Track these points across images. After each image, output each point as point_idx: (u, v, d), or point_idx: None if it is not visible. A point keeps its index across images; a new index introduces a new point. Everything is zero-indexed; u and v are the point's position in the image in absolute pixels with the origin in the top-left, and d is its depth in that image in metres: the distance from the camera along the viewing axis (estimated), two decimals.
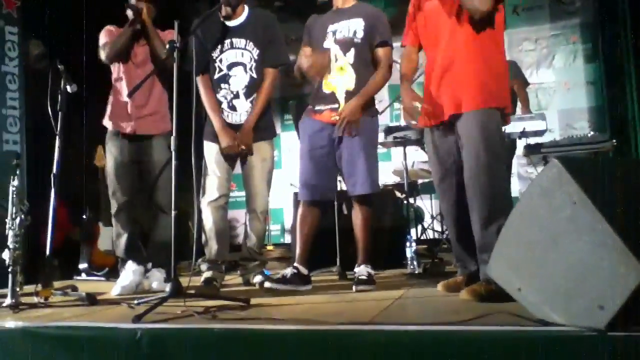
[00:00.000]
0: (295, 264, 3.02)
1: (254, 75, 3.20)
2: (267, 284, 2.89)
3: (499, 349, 1.66)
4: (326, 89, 3.02)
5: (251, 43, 3.21)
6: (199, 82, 3.17)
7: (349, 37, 3.00)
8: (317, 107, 3.05)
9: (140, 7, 3.30)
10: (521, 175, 5.99)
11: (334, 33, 3.04)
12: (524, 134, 4.19)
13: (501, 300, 2.03)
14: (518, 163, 5.62)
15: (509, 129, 4.08)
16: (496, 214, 2.36)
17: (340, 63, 3.01)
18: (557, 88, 6.44)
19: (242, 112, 3.21)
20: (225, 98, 3.21)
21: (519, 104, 4.93)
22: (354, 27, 3.01)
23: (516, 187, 5.81)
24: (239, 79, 3.20)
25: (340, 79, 3.00)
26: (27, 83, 4.49)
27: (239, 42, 3.22)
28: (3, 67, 4.34)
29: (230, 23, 3.24)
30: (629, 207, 1.76)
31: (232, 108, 3.21)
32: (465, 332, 1.74)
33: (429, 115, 2.64)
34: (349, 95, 2.96)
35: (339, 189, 3.46)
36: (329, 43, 3.04)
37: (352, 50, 2.99)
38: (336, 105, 2.98)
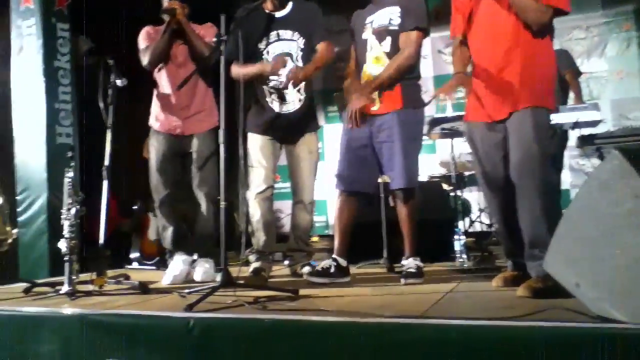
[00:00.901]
0: (334, 256, 3.02)
1: (301, 64, 3.20)
2: (306, 277, 2.90)
3: (556, 345, 1.61)
4: (364, 78, 2.99)
5: (297, 33, 3.21)
6: (233, 67, 3.13)
7: (385, 25, 2.95)
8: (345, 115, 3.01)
9: (174, 8, 3.30)
10: (573, 167, 5.82)
11: (372, 23, 3.00)
12: (576, 124, 4.06)
13: (558, 296, 1.98)
14: (570, 155, 5.46)
15: (561, 119, 3.96)
16: (546, 209, 2.32)
17: (376, 53, 2.97)
18: (610, 77, 6.21)
19: (291, 102, 3.22)
20: (275, 88, 3.22)
21: (571, 94, 4.78)
22: (389, 15, 2.95)
23: (567, 180, 5.65)
24: (287, 70, 3.20)
25: (375, 68, 2.95)
26: (77, 78, 4.60)
27: (286, 33, 3.22)
28: (55, 62, 4.46)
29: (276, 14, 3.24)
30: None
31: (282, 99, 3.22)
32: (521, 328, 1.69)
33: (478, 111, 2.58)
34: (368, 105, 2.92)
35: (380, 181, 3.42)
36: (366, 34, 3.00)
37: (388, 39, 2.93)
38: (373, 96, 2.93)
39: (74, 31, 4.69)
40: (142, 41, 3.42)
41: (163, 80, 3.44)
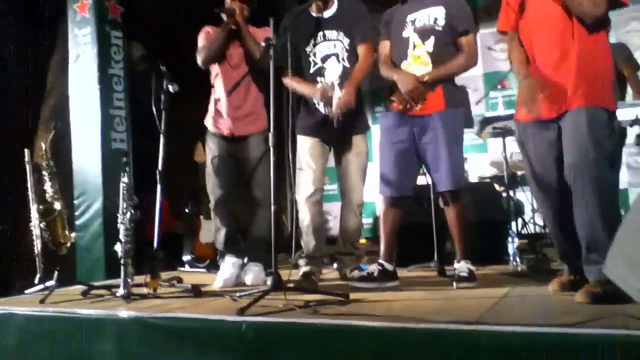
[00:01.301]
0: (380, 261, 2.99)
1: (347, 64, 3.19)
2: (352, 283, 2.88)
3: (618, 353, 1.55)
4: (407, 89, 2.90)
5: (342, 33, 3.20)
6: (286, 78, 3.15)
7: (430, 24, 2.90)
8: (394, 97, 2.96)
9: (233, 8, 3.35)
10: (631, 165, 5.59)
11: (413, 22, 2.95)
12: (635, 121, 3.89)
13: (619, 301, 1.91)
14: (628, 152, 5.24)
15: (619, 116, 3.79)
16: (603, 212, 2.22)
17: (418, 52, 2.92)
18: None
19: (337, 102, 3.19)
20: None
21: (629, 90, 4.59)
22: (435, 15, 2.90)
23: (625, 179, 5.43)
24: (333, 70, 3.20)
25: (415, 67, 2.90)
26: (131, 83, 4.72)
27: (331, 33, 3.21)
28: (109, 69, 4.59)
29: (321, 15, 3.24)
30: None
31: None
32: (583, 336, 1.64)
33: (530, 109, 2.48)
34: (425, 83, 2.85)
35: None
36: (407, 32, 2.95)
37: (432, 39, 2.89)
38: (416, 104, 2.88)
39: (128, 38, 4.82)
40: (201, 40, 3.51)
41: (218, 81, 3.50)
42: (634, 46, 5.86)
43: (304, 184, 3.21)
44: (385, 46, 3.07)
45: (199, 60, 3.44)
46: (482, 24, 6.73)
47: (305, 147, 3.24)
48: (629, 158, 5.53)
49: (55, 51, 5.17)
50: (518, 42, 2.62)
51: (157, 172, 3.15)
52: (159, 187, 3.11)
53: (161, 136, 3.18)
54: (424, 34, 2.91)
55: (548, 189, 2.49)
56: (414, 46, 2.93)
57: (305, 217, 3.20)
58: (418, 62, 2.90)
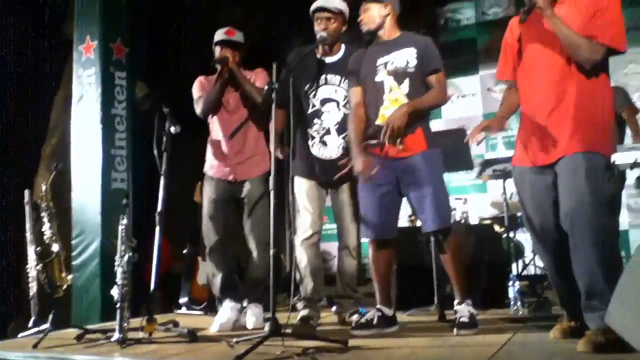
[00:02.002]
0: (379, 306, 2.95)
1: (347, 111, 3.18)
2: (351, 331, 2.84)
3: None
4: (381, 122, 2.89)
5: (344, 79, 3.20)
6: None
7: (403, 67, 2.90)
8: (373, 142, 2.92)
9: (226, 57, 3.38)
10: (631, 207, 5.58)
11: (386, 65, 2.95)
12: (635, 164, 3.89)
13: (621, 350, 1.88)
14: (627, 194, 5.25)
15: (618, 159, 3.81)
16: (603, 258, 2.19)
17: (395, 95, 2.91)
18: None
19: (333, 148, 3.20)
20: (318, 133, 3.23)
21: (628, 132, 4.61)
22: (406, 57, 2.91)
23: (626, 220, 5.42)
24: (332, 115, 3.21)
25: (396, 110, 2.86)
26: (134, 124, 4.75)
27: (334, 78, 3.23)
28: (112, 109, 4.63)
29: (326, 59, 3.27)
30: None
31: (323, 143, 3.21)
32: None
33: (527, 155, 2.49)
34: (405, 126, 2.82)
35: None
36: (381, 76, 2.94)
37: (407, 81, 2.89)
38: (396, 143, 2.84)
39: (132, 78, 4.88)
40: (196, 91, 3.51)
41: (215, 126, 3.51)
42: (633, 88, 5.92)
43: (302, 227, 3.19)
44: (357, 93, 3.03)
45: (198, 111, 3.46)
46: (481, 65, 6.84)
47: (303, 189, 3.23)
48: (630, 199, 5.53)
49: (59, 91, 5.23)
50: (512, 90, 2.65)
51: (157, 213, 3.14)
52: (157, 228, 3.09)
53: (161, 177, 3.18)
54: (398, 76, 2.90)
55: (545, 235, 2.46)
56: (390, 89, 2.92)
57: (302, 259, 3.17)
58: (396, 104, 2.87)
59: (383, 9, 2.96)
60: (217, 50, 3.47)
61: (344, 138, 3.18)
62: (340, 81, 3.22)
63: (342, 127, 3.18)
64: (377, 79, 2.95)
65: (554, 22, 2.35)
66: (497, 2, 6.67)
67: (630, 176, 4.18)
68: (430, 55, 2.91)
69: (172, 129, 3.17)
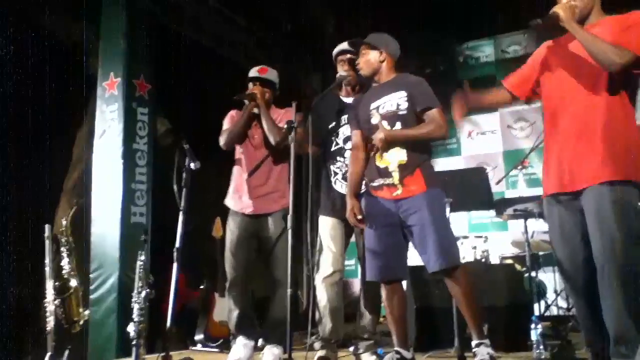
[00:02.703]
0: (396, 348, 2.89)
1: None
2: None
3: None
4: (380, 164, 2.91)
5: None
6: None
7: (393, 110, 2.92)
8: (374, 184, 2.94)
9: (254, 93, 3.44)
10: None
11: (378, 109, 2.97)
12: None
13: None
14: None
15: None
16: (633, 303, 2.13)
17: None
18: None
19: None
20: (340, 170, 3.28)
21: None
22: (397, 100, 2.92)
23: None
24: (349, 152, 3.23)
25: (392, 153, 2.89)
26: (154, 159, 4.81)
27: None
28: (134, 145, 4.69)
29: (348, 100, 3.35)
30: None
31: (346, 180, 3.21)
32: None
33: (550, 182, 2.44)
34: (402, 168, 2.84)
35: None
36: (375, 119, 2.96)
37: (399, 124, 2.90)
38: (391, 180, 2.86)
39: (154, 113, 4.95)
40: (225, 123, 3.59)
41: (240, 160, 3.55)
42: None
43: (324, 265, 3.18)
44: (357, 136, 3.08)
45: (221, 142, 3.50)
46: None
47: (327, 228, 3.24)
48: None
49: (82, 126, 5.33)
50: (504, 92, 2.66)
51: (175, 249, 3.14)
52: (175, 264, 3.09)
53: (180, 213, 3.19)
54: (390, 119, 2.92)
55: (575, 272, 2.40)
56: None
57: (322, 298, 3.15)
58: (393, 146, 2.88)
59: (379, 55, 3.01)
60: (250, 86, 3.54)
61: None
62: None
63: None
64: (373, 121, 2.98)
65: (576, 31, 2.31)
66: (516, 40, 6.71)
67: None
68: (420, 95, 2.92)
69: (192, 165, 3.20)
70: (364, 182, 3.04)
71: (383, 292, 2.95)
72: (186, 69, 5.34)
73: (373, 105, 3.00)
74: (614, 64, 2.23)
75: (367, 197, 3.01)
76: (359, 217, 2.93)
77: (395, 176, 2.85)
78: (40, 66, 4.80)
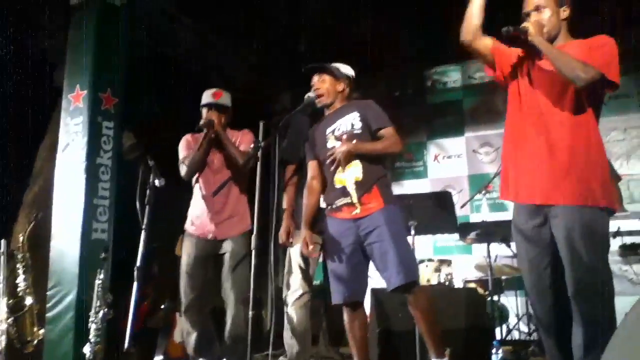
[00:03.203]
0: None
1: None
2: None
3: None
4: (337, 184, 2.96)
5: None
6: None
7: (349, 130, 2.99)
8: (333, 205, 2.98)
9: (212, 120, 3.44)
10: (615, 273, 5.53)
11: (333, 132, 3.03)
12: (618, 233, 3.94)
13: None
14: (611, 260, 5.25)
15: None
16: (603, 330, 2.11)
17: None
18: None
19: None
20: None
21: None
22: (351, 120, 3.00)
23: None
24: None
25: (348, 171, 2.93)
26: (118, 174, 4.72)
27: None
28: (98, 159, 4.59)
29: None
30: None
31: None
32: None
33: (516, 190, 2.43)
34: (359, 185, 2.88)
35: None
36: (331, 142, 3.02)
37: (355, 142, 2.95)
38: (349, 200, 2.90)
39: (120, 128, 4.88)
40: (182, 150, 3.55)
41: (199, 184, 3.52)
42: (615, 155, 6.05)
43: (293, 286, 3.21)
44: (312, 166, 3.13)
45: (182, 173, 3.50)
46: (467, 126, 6.96)
47: (297, 248, 3.23)
48: (614, 265, 5.51)
49: (44, 138, 5.21)
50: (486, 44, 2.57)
51: (136, 267, 3.07)
52: (135, 284, 3.02)
53: (142, 231, 3.13)
54: (347, 139, 2.97)
55: (543, 294, 2.40)
56: None
57: (291, 320, 3.15)
58: (349, 166, 2.92)
59: (339, 85, 3.09)
60: (204, 112, 3.51)
61: None
62: None
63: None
64: (329, 145, 3.02)
65: (544, 46, 2.33)
66: (482, 67, 6.83)
67: (614, 245, 4.24)
68: (374, 116, 3.00)
69: (157, 182, 3.14)
70: (325, 207, 3.06)
71: (345, 315, 2.94)
72: (157, 84, 5.29)
73: (328, 130, 3.06)
74: (579, 79, 2.25)
75: (329, 220, 3.03)
76: (311, 247, 2.97)
77: (354, 194, 2.88)
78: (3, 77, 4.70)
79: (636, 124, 6.19)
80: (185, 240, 3.50)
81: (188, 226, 3.52)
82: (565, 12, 2.44)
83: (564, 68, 2.28)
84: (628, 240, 4.04)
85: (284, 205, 3.43)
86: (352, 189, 2.89)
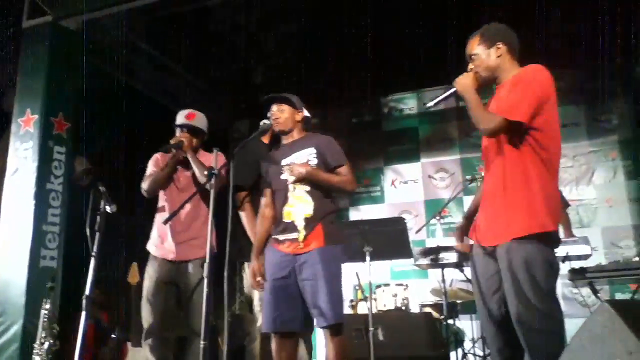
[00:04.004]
0: None
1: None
2: None
3: None
4: (286, 219, 2.97)
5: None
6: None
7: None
8: (278, 237, 2.99)
9: (182, 141, 3.40)
10: (566, 295, 5.71)
11: (289, 164, 3.05)
12: (567, 258, 4.05)
13: None
14: (562, 283, 5.39)
15: None
16: (549, 357, 2.14)
17: (298, 192, 2.99)
18: (599, 205, 6.28)
19: None
20: None
21: (560, 227, 4.79)
22: (307, 156, 3.02)
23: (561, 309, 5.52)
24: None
25: (298, 207, 2.96)
26: (69, 200, 4.62)
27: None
28: (48, 184, 4.50)
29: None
30: None
31: None
32: None
33: (477, 235, 2.52)
34: (308, 221, 2.91)
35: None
36: (285, 175, 3.04)
37: (314, 168, 2.97)
38: (295, 235, 2.91)
39: (71, 153, 4.78)
40: (150, 166, 3.51)
41: (164, 203, 3.47)
42: (565, 181, 6.25)
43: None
44: (266, 194, 3.15)
45: (144, 187, 3.42)
46: (422, 152, 7.09)
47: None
48: (564, 289, 5.66)
49: None
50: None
51: (84, 297, 2.98)
52: (83, 313, 2.93)
53: (92, 259, 3.06)
54: (304, 164, 2.98)
55: (494, 328, 2.44)
56: (294, 188, 3.00)
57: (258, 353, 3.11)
58: (301, 201, 2.96)
59: (297, 115, 3.12)
60: (177, 132, 3.49)
61: None
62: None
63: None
64: (282, 177, 3.04)
65: (465, 98, 2.43)
66: (437, 94, 6.98)
67: (563, 269, 4.34)
68: (331, 154, 3.03)
69: (108, 208, 3.08)
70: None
71: (273, 343, 2.93)
72: (112, 109, 5.22)
73: (284, 162, 3.06)
74: (484, 131, 2.41)
75: (269, 249, 3.04)
76: (259, 278, 2.97)
77: (302, 232, 2.90)
78: None
79: (584, 151, 6.44)
80: (148, 264, 3.42)
81: (150, 246, 3.45)
82: (499, 49, 2.49)
83: (474, 120, 2.41)
84: (576, 264, 4.14)
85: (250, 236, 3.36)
86: (301, 226, 2.91)
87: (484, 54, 2.50)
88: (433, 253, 4.37)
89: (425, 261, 4.39)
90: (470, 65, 2.52)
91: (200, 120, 3.55)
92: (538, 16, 4.95)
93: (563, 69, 5.92)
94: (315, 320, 2.88)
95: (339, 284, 2.92)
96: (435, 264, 4.36)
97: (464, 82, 2.47)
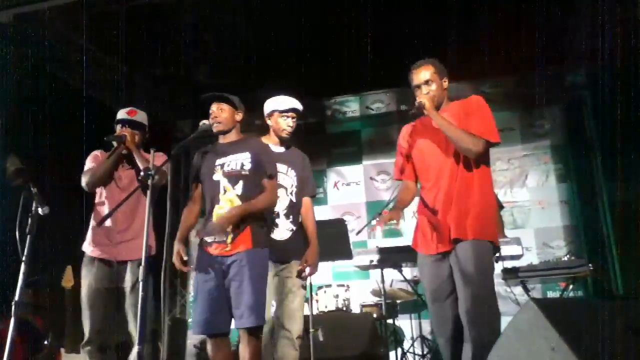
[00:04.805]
0: None
1: (294, 199, 3.36)
2: None
3: None
4: (215, 220, 3.00)
5: (293, 171, 3.39)
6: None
7: (237, 169, 3.04)
8: (207, 239, 3.01)
9: (124, 135, 3.33)
10: (501, 294, 5.88)
11: (222, 166, 3.07)
12: (500, 257, 4.20)
13: None
14: (496, 282, 5.57)
15: None
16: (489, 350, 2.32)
17: (229, 195, 3.02)
18: (532, 207, 6.56)
19: (283, 230, 3.32)
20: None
21: None
22: (242, 160, 3.05)
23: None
24: (280, 201, 3.30)
25: (228, 209, 2.98)
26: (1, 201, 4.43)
27: (282, 167, 3.35)
28: None
29: (275, 149, 3.38)
30: (609, 351, 1.71)
31: (275, 225, 3.31)
32: None
33: (424, 244, 2.71)
34: (236, 225, 2.94)
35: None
36: (218, 176, 3.06)
37: (240, 183, 3.01)
38: (224, 238, 2.94)
39: (4, 151, 4.59)
40: (88, 162, 3.42)
41: (103, 203, 3.37)
42: (500, 183, 6.48)
43: None
44: (195, 188, 3.17)
45: (83, 182, 3.32)
46: (365, 155, 7.20)
47: None
48: (499, 287, 5.84)
49: None
50: (408, 186, 2.90)
51: (13, 302, 2.86)
52: (12, 320, 2.81)
53: (22, 264, 2.94)
54: (232, 178, 3.02)
55: (445, 324, 2.64)
56: (225, 190, 3.02)
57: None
58: (230, 204, 2.98)
59: (238, 115, 3.14)
60: (118, 128, 3.41)
61: (291, 222, 3.35)
62: (287, 170, 3.38)
63: (289, 212, 3.35)
64: (215, 178, 3.06)
65: (440, 122, 2.65)
66: (379, 98, 7.13)
67: (497, 268, 4.50)
68: (265, 161, 3.08)
69: (40, 210, 2.98)
70: (197, 236, 3.11)
71: (209, 346, 2.95)
72: (47, 106, 5.04)
73: (218, 162, 3.07)
74: (469, 152, 2.60)
75: (200, 253, 3.03)
76: (185, 258, 2.98)
77: (230, 234, 2.92)
78: None
79: (518, 155, 6.70)
80: (83, 267, 3.30)
81: (86, 247, 3.33)
82: (445, 83, 2.79)
83: (456, 141, 2.62)
84: (509, 264, 4.29)
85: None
86: (229, 228, 2.92)
87: (438, 83, 2.77)
88: (372, 254, 4.43)
89: (365, 262, 4.45)
90: (426, 89, 2.76)
91: (141, 116, 3.50)
92: (478, 25, 5.12)
93: (500, 76, 6.16)
94: (234, 321, 2.90)
95: (264, 287, 2.96)
96: (374, 264, 4.43)
97: (429, 106, 2.69)
